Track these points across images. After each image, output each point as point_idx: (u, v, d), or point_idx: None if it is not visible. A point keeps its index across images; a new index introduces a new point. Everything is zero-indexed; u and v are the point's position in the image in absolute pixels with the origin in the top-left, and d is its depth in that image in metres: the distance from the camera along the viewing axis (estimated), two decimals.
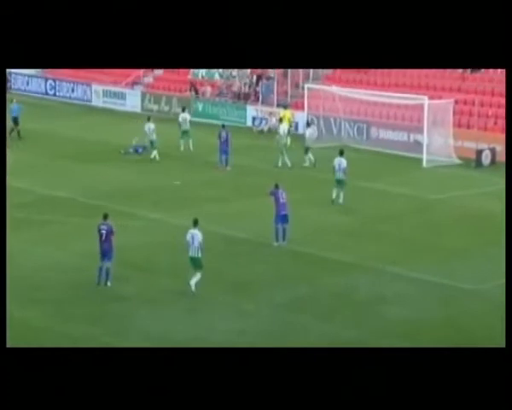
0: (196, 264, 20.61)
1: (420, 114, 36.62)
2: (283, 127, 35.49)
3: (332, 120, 39.22)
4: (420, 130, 36.26)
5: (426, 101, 35.92)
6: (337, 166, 28.65)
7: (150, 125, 35.51)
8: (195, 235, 20.57)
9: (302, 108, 40.05)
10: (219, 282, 21.55)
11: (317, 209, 28.29)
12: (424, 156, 35.37)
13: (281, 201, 24.03)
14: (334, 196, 28.64)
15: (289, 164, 33.97)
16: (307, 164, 34.38)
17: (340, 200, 28.60)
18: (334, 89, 39.57)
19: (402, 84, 41.01)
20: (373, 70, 42.69)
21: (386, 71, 42.41)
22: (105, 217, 21.13)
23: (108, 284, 20.91)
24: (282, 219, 23.98)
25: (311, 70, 43.96)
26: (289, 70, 44.04)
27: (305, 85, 40.63)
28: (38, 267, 22.53)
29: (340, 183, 28.64)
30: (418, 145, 36.20)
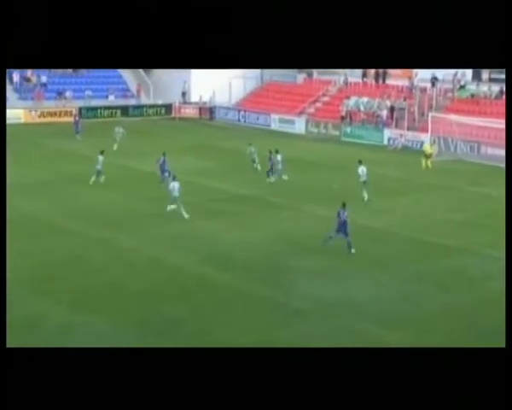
0: (175, 200, 25.16)
1: None
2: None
3: (450, 139, 37.91)
4: None
5: None
6: (361, 172, 27.69)
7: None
8: (175, 185, 25.28)
9: (427, 130, 39.01)
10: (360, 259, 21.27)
11: (435, 208, 27.34)
12: None
13: (342, 219, 21.53)
14: (364, 196, 27.29)
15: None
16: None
17: (366, 197, 27.32)
18: (452, 117, 38.35)
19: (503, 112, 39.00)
20: (483, 101, 40.92)
21: (494, 102, 40.60)
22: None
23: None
24: (343, 232, 21.48)
25: (435, 101, 42.65)
26: (417, 102, 42.88)
27: (430, 114, 39.56)
28: (232, 243, 22.95)
29: (365, 183, 27.64)
30: None
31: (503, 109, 40.18)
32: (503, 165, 36.17)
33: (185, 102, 55.83)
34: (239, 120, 52.51)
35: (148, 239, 23.19)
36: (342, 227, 21.50)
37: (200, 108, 54.92)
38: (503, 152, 36.65)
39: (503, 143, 36.67)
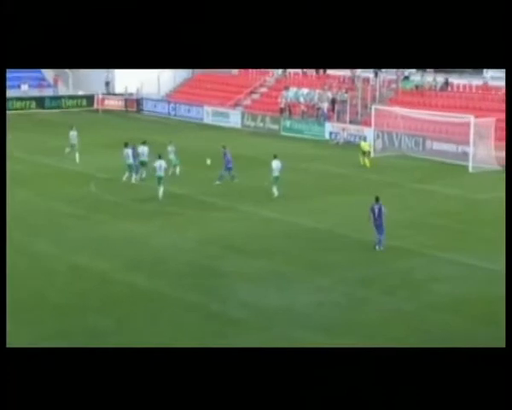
0: (161, 181, 27.24)
1: (467, 130, 35.83)
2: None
3: (394, 134, 38.72)
4: (467, 142, 35.53)
5: (472, 119, 35.30)
6: (275, 167, 28.35)
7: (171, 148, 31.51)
8: (162, 163, 27.49)
9: (370, 124, 39.72)
10: (301, 262, 21.44)
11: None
12: (470, 164, 34.67)
13: (376, 214, 22.37)
14: (274, 192, 28.07)
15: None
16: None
17: (276, 194, 28.07)
18: (397, 109, 39.15)
19: (453, 105, 40.29)
20: (428, 93, 42.01)
21: (439, 94, 41.73)
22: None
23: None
24: (379, 228, 22.37)
25: (378, 94, 43.47)
26: (359, 94, 43.65)
27: (373, 106, 40.29)
28: (162, 248, 22.81)
29: (276, 179, 28.41)
30: (465, 155, 35.49)
31: (448, 101, 41.52)
32: (450, 160, 37.43)
33: (109, 93, 55.06)
34: (169, 113, 52.15)
35: (68, 244, 22.73)
36: (379, 222, 22.21)
37: (125, 100, 54.29)
38: (449, 147, 37.82)
39: (449, 137, 38.15)
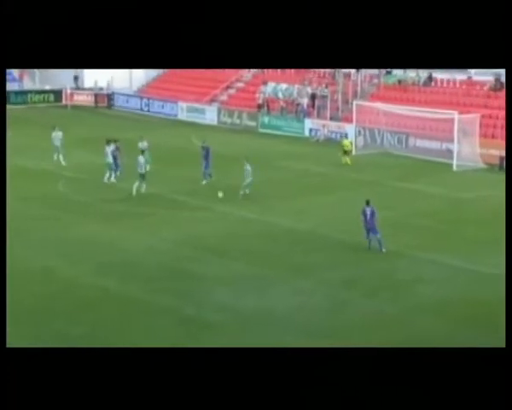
0: (144, 177, 28.01)
1: (451, 126, 36.02)
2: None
3: (376, 131, 38.83)
4: (451, 139, 35.72)
5: (456, 115, 35.50)
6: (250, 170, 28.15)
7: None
8: (141, 159, 28.15)
9: (351, 121, 39.81)
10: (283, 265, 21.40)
11: (362, 206, 27.89)
12: (454, 161, 34.87)
13: (368, 217, 22.59)
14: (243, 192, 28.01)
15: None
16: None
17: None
18: (379, 105, 39.28)
19: (436, 101, 40.47)
20: (411, 89, 42.21)
21: (422, 89, 41.93)
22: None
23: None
24: (371, 231, 22.51)
25: (359, 89, 43.60)
26: (340, 89, 43.72)
27: (354, 102, 40.37)
28: (134, 250, 22.64)
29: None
30: (449, 152, 35.67)
31: (431, 97, 41.74)
32: (433, 158, 37.62)
33: (78, 88, 54.63)
34: (141, 109, 51.86)
35: (36, 246, 22.50)
36: (370, 225, 22.34)
37: (95, 95, 53.91)
38: (432, 144, 38.03)
39: (432, 134, 38.35)
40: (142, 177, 28.29)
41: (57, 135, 33.70)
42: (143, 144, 31.67)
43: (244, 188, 28.20)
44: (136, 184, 28.22)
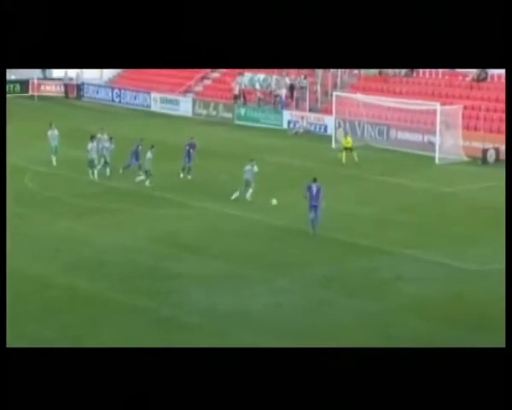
0: (149, 173, 28.65)
1: (433, 118, 36.38)
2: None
3: (356, 123, 39.08)
4: (433, 132, 36.07)
5: (438, 107, 35.83)
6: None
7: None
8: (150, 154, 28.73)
9: (331, 112, 40.01)
10: (259, 262, 21.54)
11: (342, 201, 28.16)
12: (437, 155, 35.21)
13: (313, 193, 23.67)
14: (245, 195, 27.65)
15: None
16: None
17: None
18: (359, 96, 39.52)
19: (418, 92, 40.86)
20: (393, 79, 42.54)
21: (404, 80, 42.28)
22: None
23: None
24: (312, 208, 23.57)
25: (339, 79, 43.84)
26: (319, 80, 43.94)
27: (334, 93, 40.58)
28: (106, 247, 22.66)
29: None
30: (431, 145, 36.01)
31: (413, 88, 42.11)
32: (415, 151, 37.96)
33: (46, 78, 54.25)
34: (113, 100, 51.69)
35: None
36: (316, 201, 23.11)
37: (65, 86, 53.61)
38: (413, 137, 38.37)
39: (414, 126, 38.69)
40: (148, 172, 29.01)
41: (53, 133, 32.13)
42: (103, 136, 31.31)
43: (249, 195, 27.05)
44: (140, 178, 29.05)
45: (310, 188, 23.79)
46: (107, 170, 30.29)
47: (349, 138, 35.50)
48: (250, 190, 27.32)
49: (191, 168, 30.61)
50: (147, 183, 29.23)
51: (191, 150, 30.79)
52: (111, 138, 31.06)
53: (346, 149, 34.68)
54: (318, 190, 23.59)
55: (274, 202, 26.67)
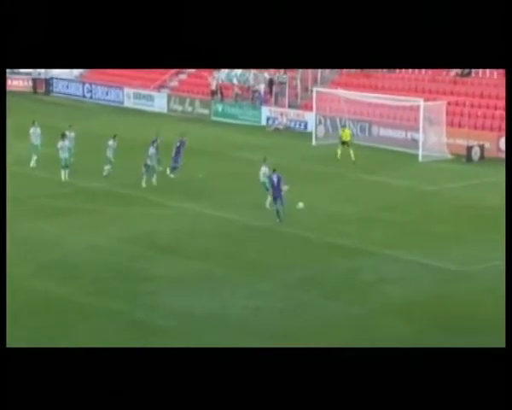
0: (154, 169, 28.99)
1: (416, 115, 36.51)
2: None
3: (337, 119, 39.13)
4: (416, 128, 36.20)
5: (421, 102, 35.92)
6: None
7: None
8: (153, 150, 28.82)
9: (311, 108, 40.08)
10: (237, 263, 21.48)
11: (322, 200, 28.18)
12: (420, 152, 35.31)
13: (275, 183, 24.55)
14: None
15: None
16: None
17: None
18: (340, 92, 39.57)
19: (401, 87, 41.01)
20: (375, 75, 42.66)
21: (386, 75, 42.39)
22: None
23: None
24: (275, 200, 24.58)
25: (319, 75, 43.90)
26: (299, 75, 43.96)
27: (314, 89, 40.62)
28: (78, 249, 22.48)
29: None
30: (414, 142, 36.13)
31: (396, 84, 42.26)
32: (398, 148, 38.10)
33: (13, 73, 53.72)
34: (83, 96, 51.37)
35: None
36: (277, 192, 23.84)
37: (33, 80, 53.18)
38: (396, 134, 38.52)
39: (397, 123, 38.82)
40: (153, 169, 28.92)
41: (36, 131, 30.95)
42: (71, 134, 30.87)
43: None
44: (145, 178, 28.82)
45: (271, 179, 24.51)
46: (106, 168, 29.86)
47: (347, 131, 34.46)
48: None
49: (177, 168, 30.39)
50: (153, 180, 29.13)
51: (181, 149, 30.60)
52: (115, 136, 30.49)
53: (344, 143, 33.82)
54: (279, 181, 24.24)
55: (301, 205, 25.90)
